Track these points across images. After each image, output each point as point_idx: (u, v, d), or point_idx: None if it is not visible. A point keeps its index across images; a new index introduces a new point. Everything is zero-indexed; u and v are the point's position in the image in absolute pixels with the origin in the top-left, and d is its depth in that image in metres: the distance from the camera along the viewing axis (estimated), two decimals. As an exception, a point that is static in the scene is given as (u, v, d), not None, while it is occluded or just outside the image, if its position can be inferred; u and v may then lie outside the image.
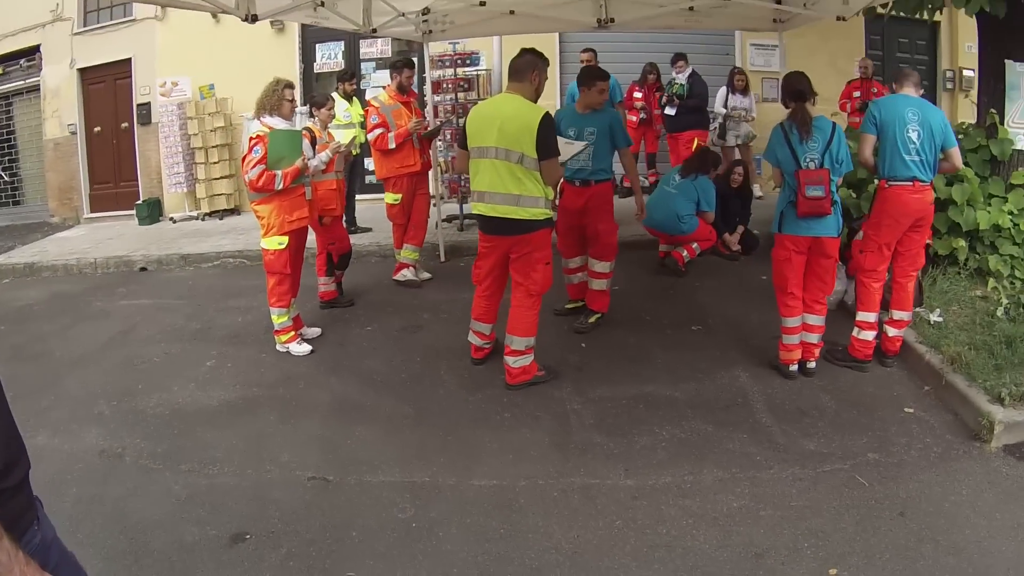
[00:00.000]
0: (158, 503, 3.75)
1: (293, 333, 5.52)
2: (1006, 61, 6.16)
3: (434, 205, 7.71)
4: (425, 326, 5.99)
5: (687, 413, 4.47)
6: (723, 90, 9.94)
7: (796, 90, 4.67)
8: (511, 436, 4.25)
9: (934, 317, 5.42)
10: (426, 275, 7.25)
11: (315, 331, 5.81)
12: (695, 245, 7.32)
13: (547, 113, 4.38)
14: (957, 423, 4.32)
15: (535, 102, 4.54)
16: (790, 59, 11.16)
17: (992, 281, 5.96)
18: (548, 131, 4.35)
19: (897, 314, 5.06)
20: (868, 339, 5.03)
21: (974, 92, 10.60)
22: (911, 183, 4.74)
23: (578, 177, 5.47)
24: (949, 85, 11.57)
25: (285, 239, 5.31)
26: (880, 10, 6.63)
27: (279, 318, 5.45)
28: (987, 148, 6.29)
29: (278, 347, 5.52)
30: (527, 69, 4.51)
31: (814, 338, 4.93)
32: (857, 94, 9.42)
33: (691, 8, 6.55)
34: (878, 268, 4.97)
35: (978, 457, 3.97)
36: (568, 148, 4.81)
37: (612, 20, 6.34)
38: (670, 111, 9.28)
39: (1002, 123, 6.28)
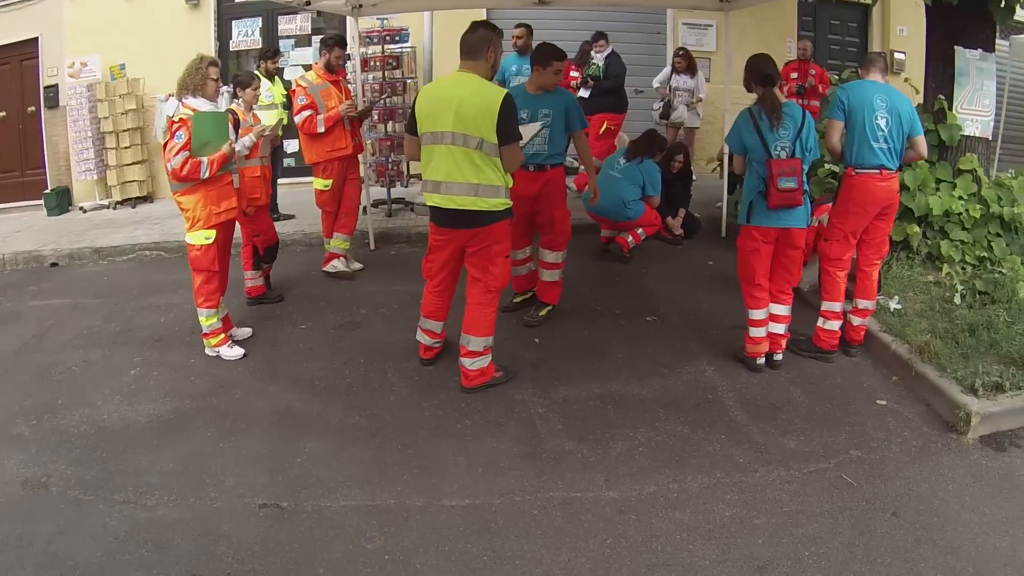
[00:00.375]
0: (94, 542, 3.23)
1: (223, 335, 5.01)
2: (955, 47, 6.12)
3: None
4: (363, 322, 5.54)
5: (659, 413, 4.21)
6: (666, 70, 9.73)
7: (764, 74, 4.42)
8: (477, 447, 3.89)
9: (893, 305, 5.34)
10: (357, 265, 6.79)
11: (246, 331, 5.30)
12: (640, 231, 7.09)
13: (508, 94, 3.97)
14: (930, 414, 4.27)
15: (491, 80, 4.15)
16: (720, 39, 11.21)
17: (946, 267, 5.92)
18: (510, 114, 3.95)
19: (862, 303, 4.94)
20: (834, 329, 4.90)
21: (904, 75, 10.81)
22: (878, 171, 4.60)
23: (533, 162, 5.05)
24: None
25: (213, 233, 4.78)
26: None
27: (208, 320, 4.93)
28: (935, 133, 6.24)
29: (207, 351, 5.00)
30: (482, 46, 4.07)
31: (780, 328, 4.75)
32: (794, 75, 9.32)
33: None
34: (843, 257, 4.83)
35: (957, 450, 3.94)
36: (525, 131, 4.45)
37: None
38: (584, 93, 8.79)
39: (950, 108, 6.25)
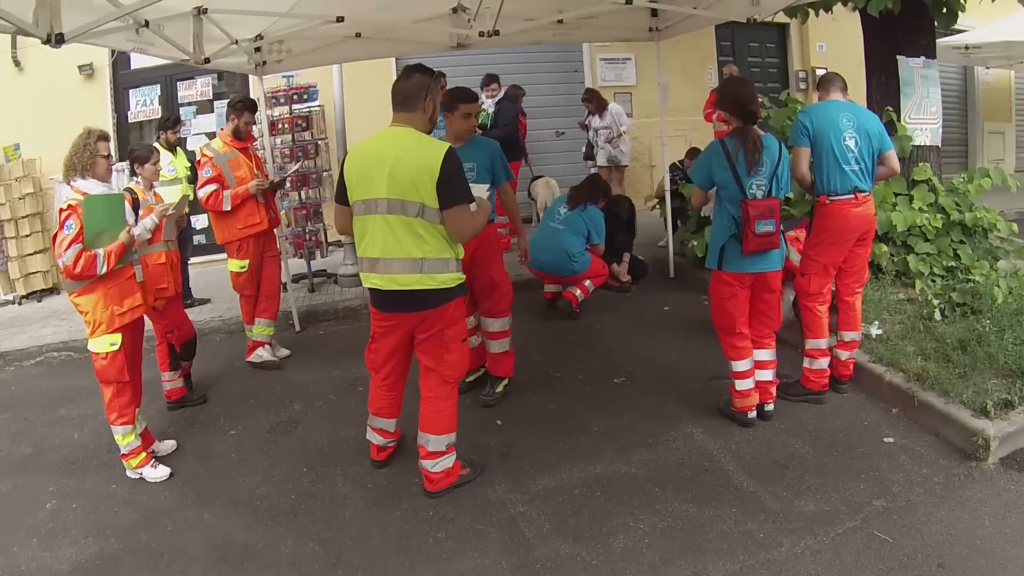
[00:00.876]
0: None
1: (145, 454, 4.26)
2: (898, 57, 5.92)
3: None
4: (300, 420, 4.85)
5: (656, 493, 3.68)
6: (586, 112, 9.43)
7: (747, 111, 3.98)
8: (459, 566, 3.25)
9: (875, 330, 5.01)
10: (284, 352, 6.11)
11: (169, 445, 4.57)
12: (588, 283, 6.60)
13: (450, 149, 3.37)
14: (942, 444, 4.00)
15: (429, 133, 3.58)
16: (640, 71, 11.03)
17: (919, 283, 5.63)
18: (453, 172, 3.36)
19: (847, 335, 4.58)
20: (823, 368, 4.52)
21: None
22: (853, 195, 4.26)
23: None
24: (803, 85, 11.68)
25: (118, 338, 4.07)
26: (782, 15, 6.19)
27: (125, 438, 4.19)
28: (887, 146, 5.99)
29: (128, 473, 4.27)
30: (417, 94, 3.48)
31: (768, 375, 4.33)
32: (723, 102, 9.12)
33: (560, 21, 5.91)
34: (823, 290, 4.46)
35: (981, 479, 3.68)
36: (478, 192, 3.83)
37: (496, 33, 5.44)
38: None
39: (899, 120, 6.03)
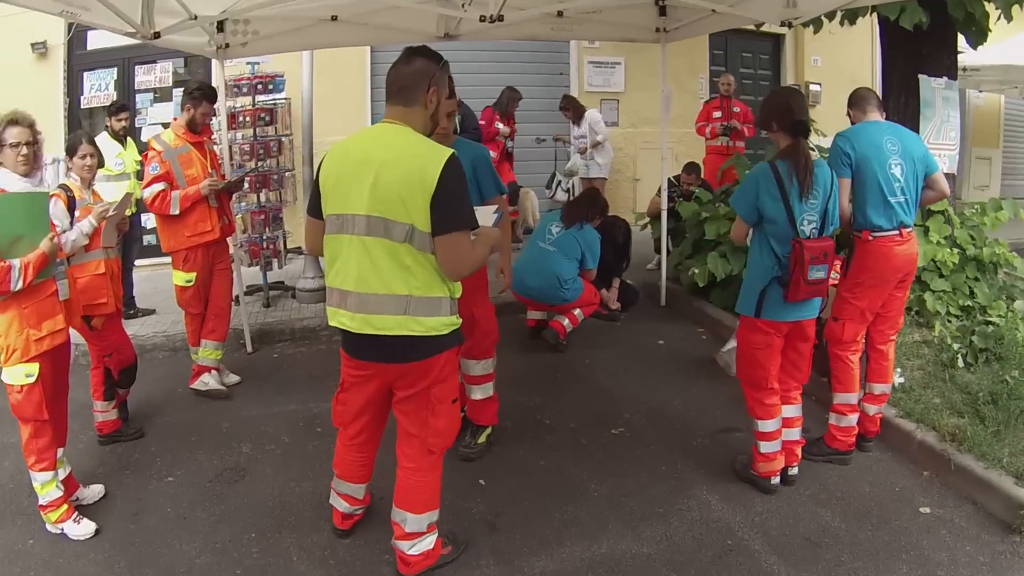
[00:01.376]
0: None
1: (67, 506, 3.55)
2: (920, 76, 5.45)
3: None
4: (249, 467, 4.16)
5: (674, 579, 3.13)
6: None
7: (797, 120, 3.42)
8: None
9: (897, 379, 4.52)
10: (234, 378, 5.42)
11: (96, 491, 3.86)
12: (577, 311, 5.98)
13: (453, 156, 2.67)
14: (981, 515, 3.58)
15: (430, 135, 2.87)
16: (629, 77, 10.51)
17: (938, 325, 5.17)
18: (455, 187, 2.65)
19: (878, 388, 4.10)
20: (851, 425, 4.01)
21: (819, 106, 10.38)
22: (898, 232, 3.76)
23: None
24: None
25: (35, 368, 3.37)
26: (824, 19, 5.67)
27: (44, 487, 3.48)
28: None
29: (48, 527, 3.57)
30: (417, 83, 2.77)
31: (795, 434, 3.81)
32: (717, 114, 8.64)
33: (560, 14, 5.34)
34: (858, 338, 3.95)
35: None
36: (484, 216, 3.14)
37: (500, 19, 4.75)
38: None
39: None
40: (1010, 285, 5.85)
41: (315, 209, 2.88)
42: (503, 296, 5.51)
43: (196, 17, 4.66)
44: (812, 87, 10.95)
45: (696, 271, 6.13)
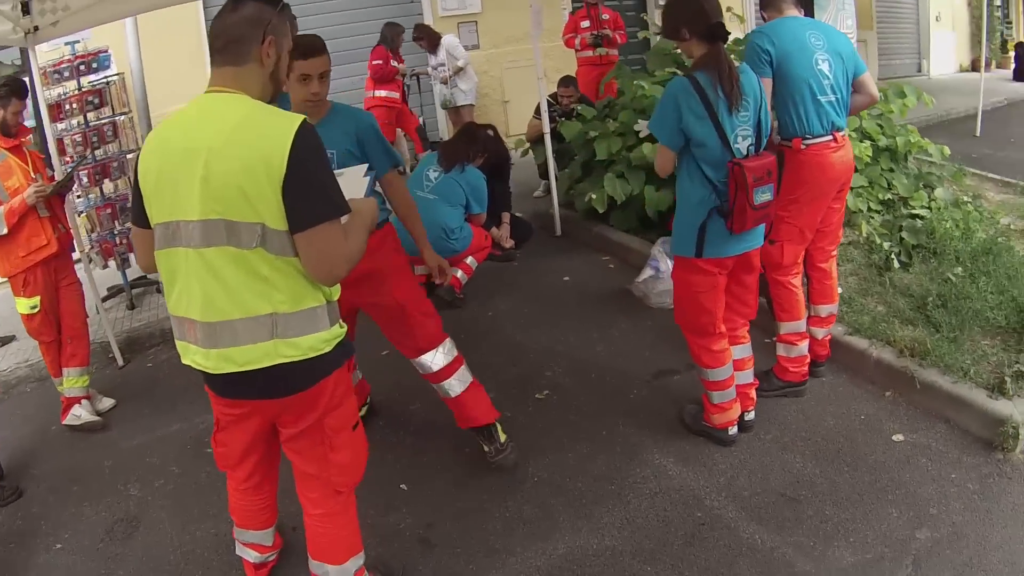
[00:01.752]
0: None
1: None
2: (808, -42, 5.03)
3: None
4: (141, 514, 3.49)
5: (646, 572, 2.71)
6: None
7: (714, 23, 2.87)
8: None
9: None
10: (108, 402, 4.67)
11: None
12: (470, 259, 5.39)
13: (304, 125, 1.98)
14: (957, 434, 3.34)
15: (272, 102, 2.15)
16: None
17: (864, 224, 4.88)
18: (311, 164, 1.98)
19: (824, 309, 3.75)
20: (803, 353, 3.66)
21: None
22: (831, 137, 3.33)
23: None
24: (661, 1, 10.73)
25: None
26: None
27: None
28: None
29: None
30: (249, 34, 2.06)
31: (748, 376, 3.42)
32: (586, 24, 8.07)
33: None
34: (799, 260, 3.56)
35: (1016, 476, 3.05)
36: (353, 182, 2.45)
37: None
38: None
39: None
40: (926, 172, 5.63)
41: (139, 217, 2.19)
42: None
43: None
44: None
45: (594, 196, 5.64)
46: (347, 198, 2.09)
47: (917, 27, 15.56)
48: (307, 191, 1.98)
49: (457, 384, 3.32)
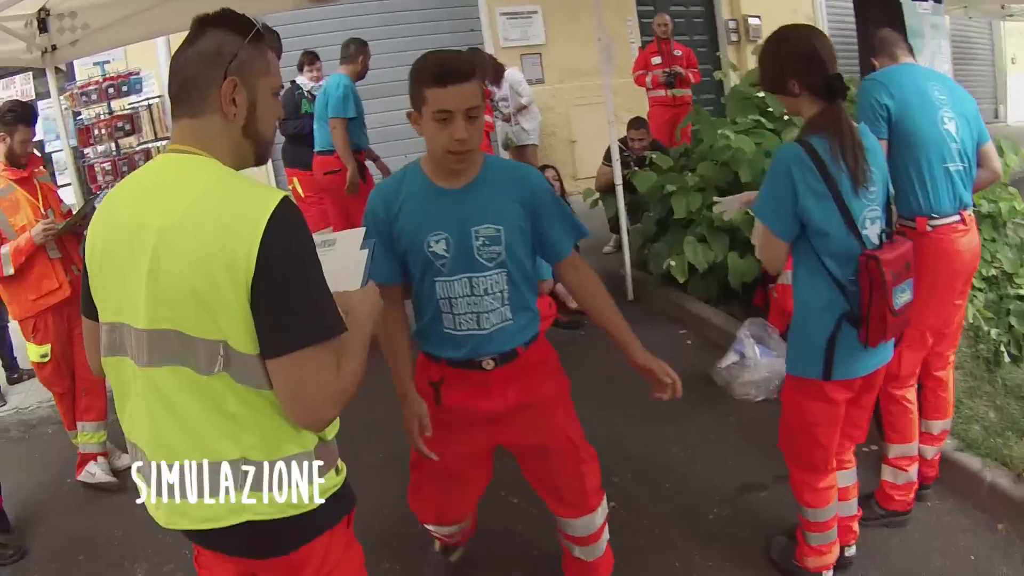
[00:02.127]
0: None
1: None
2: (903, 1, 4.50)
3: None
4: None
5: None
6: None
7: (832, 77, 2.26)
8: None
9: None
10: (126, 460, 4.23)
11: None
12: None
13: (282, 205, 1.42)
14: None
15: (258, 162, 1.66)
16: (549, 27, 9.38)
17: (970, 309, 4.33)
18: (290, 262, 1.42)
19: (937, 426, 3.23)
20: (911, 480, 3.12)
21: (760, 44, 9.48)
22: (958, 216, 2.82)
23: (488, 352, 2.30)
24: (734, 37, 10.27)
25: None
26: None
27: None
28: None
29: None
30: (206, 74, 1.51)
31: (852, 507, 2.90)
32: (657, 60, 7.62)
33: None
34: (916, 370, 3.02)
35: None
36: (346, 255, 1.71)
37: None
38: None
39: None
40: (1030, 241, 5.06)
41: (87, 305, 1.66)
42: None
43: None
44: (751, 21, 9.98)
45: (673, 263, 5.12)
46: (337, 289, 1.52)
47: (993, 69, 14.76)
48: (284, 302, 1.42)
49: (603, 543, 2.64)
